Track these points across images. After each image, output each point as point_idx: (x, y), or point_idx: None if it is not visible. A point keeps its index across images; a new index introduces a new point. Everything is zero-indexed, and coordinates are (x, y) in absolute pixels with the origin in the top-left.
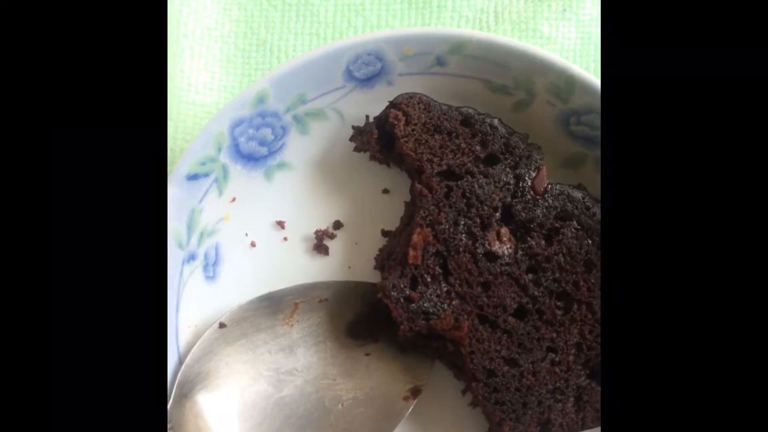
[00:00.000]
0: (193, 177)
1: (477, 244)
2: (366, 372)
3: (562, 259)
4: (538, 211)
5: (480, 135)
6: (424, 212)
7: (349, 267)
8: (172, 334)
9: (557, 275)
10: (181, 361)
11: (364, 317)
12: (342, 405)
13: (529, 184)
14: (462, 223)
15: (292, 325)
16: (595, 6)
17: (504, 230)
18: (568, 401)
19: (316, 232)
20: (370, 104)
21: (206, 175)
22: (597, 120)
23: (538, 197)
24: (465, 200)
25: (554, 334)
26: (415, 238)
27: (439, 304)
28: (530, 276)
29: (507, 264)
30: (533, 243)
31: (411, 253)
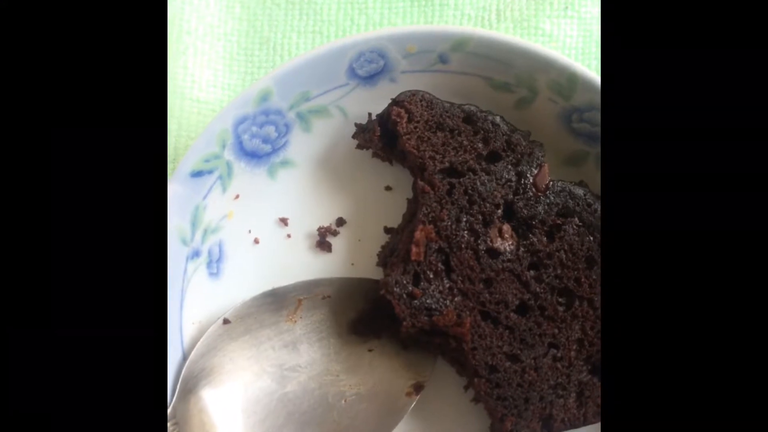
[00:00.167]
0: (197, 174)
1: (479, 241)
2: (369, 368)
3: (564, 256)
4: (540, 208)
5: (482, 132)
6: (427, 209)
7: (352, 264)
8: (176, 330)
9: (559, 272)
10: (185, 357)
11: (366, 314)
12: (345, 401)
13: (531, 181)
14: (464, 220)
15: (296, 321)
16: (597, 4)
17: (506, 227)
18: (569, 397)
19: (319, 229)
20: (373, 102)
21: (210, 172)
22: (599, 117)
23: (539, 194)
24: (467, 197)
25: (556, 330)
26: (418, 234)
27: (441, 300)
28: (532, 272)
29: (509, 260)
30: (535, 240)
31: (414, 249)
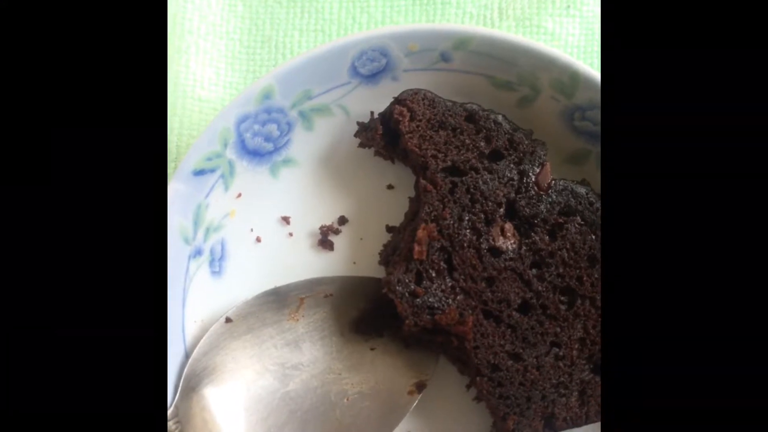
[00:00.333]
0: (200, 172)
1: (481, 240)
2: (371, 366)
3: (566, 255)
4: (542, 207)
5: (484, 131)
6: (429, 208)
7: (354, 262)
8: (178, 329)
9: (561, 270)
10: (187, 355)
11: (368, 312)
12: (347, 399)
13: (533, 179)
14: (466, 218)
15: (298, 320)
16: (599, 2)
17: (508, 226)
18: (571, 395)
19: (321, 227)
20: (375, 100)
21: (212, 170)
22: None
23: (541, 193)
24: (469, 196)
25: (558, 329)
26: (420, 233)
27: (443, 299)
28: (534, 271)
29: (511, 259)
30: (537, 238)
31: (416, 248)
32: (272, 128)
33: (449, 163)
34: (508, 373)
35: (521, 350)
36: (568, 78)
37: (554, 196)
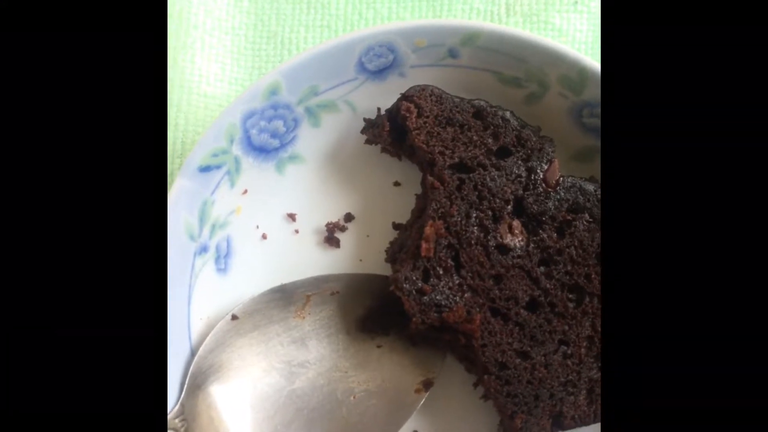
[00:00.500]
0: (206, 169)
1: (489, 237)
2: (378, 364)
3: (574, 252)
4: (550, 204)
5: (492, 127)
6: (436, 205)
7: (361, 260)
8: (184, 326)
9: (569, 268)
10: (192, 353)
11: (375, 310)
12: (354, 397)
13: (541, 176)
14: (474, 215)
15: (304, 317)
16: None
17: (516, 223)
18: (580, 394)
19: (328, 224)
20: (382, 96)
21: (218, 167)
22: None
23: (550, 190)
24: (477, 193)
25: (566, 327)
26: (428, 230)
27: (451, 296)
28: (542, 269)
29: (519, 257)
30: (545, 236)
31: (423, 245)
32: (278, 124)
33: (457, 159)
34: (516, 372)
35: (529, 348)
36: (576, 74)
37: (562, 193)
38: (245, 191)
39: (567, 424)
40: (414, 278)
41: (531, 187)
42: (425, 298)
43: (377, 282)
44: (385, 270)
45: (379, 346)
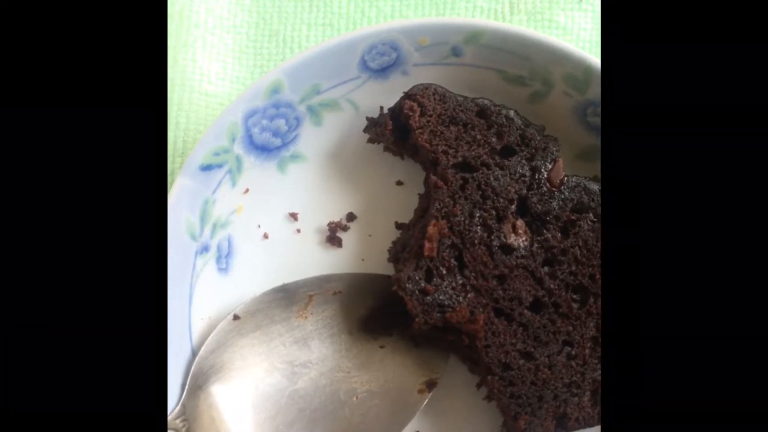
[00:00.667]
0: (207, 168)
1: (492, 237)
2: (381, 364)
3: (578, 252)
4: (554, 204)
5: (496, 126)
6: (440, 204)
7: (363, 259)
8: (185, 326)
9: (573, 268)
10: (194, 353)
11: (377, 310)
12: (357, 397)
13: (545, 176)
14: (477, 215)
15: (307, 317)
16: None
17: (519, 222)
18: (584, 395)
19: (330, 224)
20: (385, 95)
21: (220, 166)
22: None
23: (554, 189)
24: (480, 192)
25: (570, 328)
26: (431, 230)
27: (454, 296)
28: (546, 269)
29: (522, 257)
30: (549, 235)
31: (426, 245)
32: (280, 123)
33: (460, 159)
34: (520, 372)
35: (533, 349)
36: (581, 73)
37: (567, 193)
38: (247, 190)
39: (571, 425)
40: (417, 278)
41: (535, 186)
42: (428, 298)
43: (380, 282)
44: (388, 270)
45: (382, 347)
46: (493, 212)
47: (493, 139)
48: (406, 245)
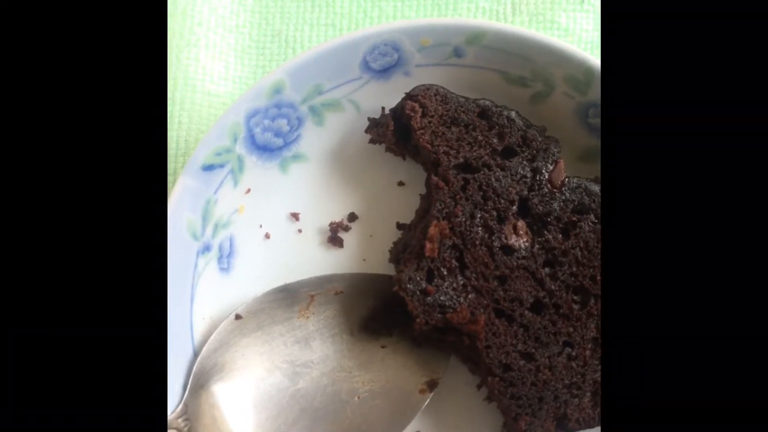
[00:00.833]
0: (209, 168)
1: (493, 238)
2: (382, 364)
3: (579, 253)
4: (555, 205)
5: (497, 127)
6: (441, 205)
7: (364, 260)
8: (186, 326)
9: (574, 269)
10: (195, 352)
11: (379, 310)
12: (358, 397)
13: (547, 177)
14: (478, 216)
15: (308, 317)
16: None
17: (521, 224)
18: (584, 396)
19: (331, 224)
20: (387, 96)
21: (222, 165)
22: None
23: (555, 190)
24: (481, 193)
25: (571, 329)
26: (432, 230)
27: (455, 297)
28: (547, 270)
29: (523, 258)
30: (550, 237)
31: (428, 245)
32: (282, 123)
33: (461, 159)
34: (520, 373)
35: (533, 350)
36: (582, 74)
37: (568, 194)
38: (248, 190)
39: (571, 426)
40: (418, 279)
41: (536, 187)
42: (429, 298)
43: (381, 282)
44: (389, 270)
45: (383, 347)
46: (494, 213)
47: (495, 140)
48: (408, 246)
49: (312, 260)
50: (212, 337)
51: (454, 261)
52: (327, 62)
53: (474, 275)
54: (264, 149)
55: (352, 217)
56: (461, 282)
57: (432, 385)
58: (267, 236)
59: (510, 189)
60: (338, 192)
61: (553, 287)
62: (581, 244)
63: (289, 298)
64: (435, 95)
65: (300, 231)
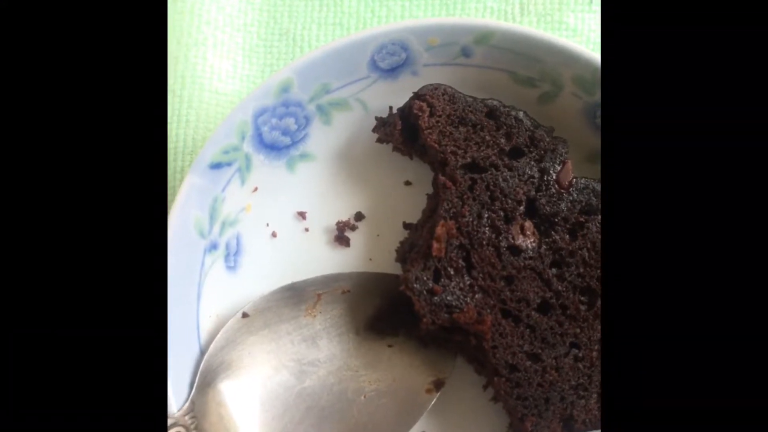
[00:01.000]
0: (216, 166)
1: (500, 238)
2: (388, 364)
3: (587, 254)
4: (563, 205)
5: (505, 127)
6: (448, 205)
7: (370, 259)
8: (193, 323)
9: (581, 270)
10: (201, 350)
11: (385, 309)
12: (364, 396)
13: (554, 177)
14: (486, 216)
15: (315, 315)
16: None
17: (528, 224)
18: (591, 398)
19: (338, 223)
20: (394, 95)
21: (229, 164)
22: None
23: (562, 191)
24: (489, 193)
25: (578, 330)
26: (439, 230)
27: (462, 297)
28: (554, 270)
29: (530, 258)
30: (557, 237)
31: (435, 245)
32: (290, 122)
33: (469, 159)
34: (527, 374)
35: (540, 351)
36: (590, 74)
37: (575, 195)
38: (256, 189)
39: (578, 427)
40: (425, 278)
41: (544, 188)
42: (436, 298)
43: (388, 281)
44: (396, 270)
45: (390, 346)
46: (502, 213)
47: (502, 140)
48: (414, 245)
49: (319, 259)
50: (219, 335)
51: (461, 261)
52: (335, 61)
53: (481, 275)
54: (271, 148)
55: (359, 216)
56: (468, 282)
57: (438, 385)
58: (274, 235)
59: (517, 189)
60: (345, 191)
61: (560, 288)
62: (588, 245)
63: (296, 297)
64: (443, 95)
65: (307, 230)
